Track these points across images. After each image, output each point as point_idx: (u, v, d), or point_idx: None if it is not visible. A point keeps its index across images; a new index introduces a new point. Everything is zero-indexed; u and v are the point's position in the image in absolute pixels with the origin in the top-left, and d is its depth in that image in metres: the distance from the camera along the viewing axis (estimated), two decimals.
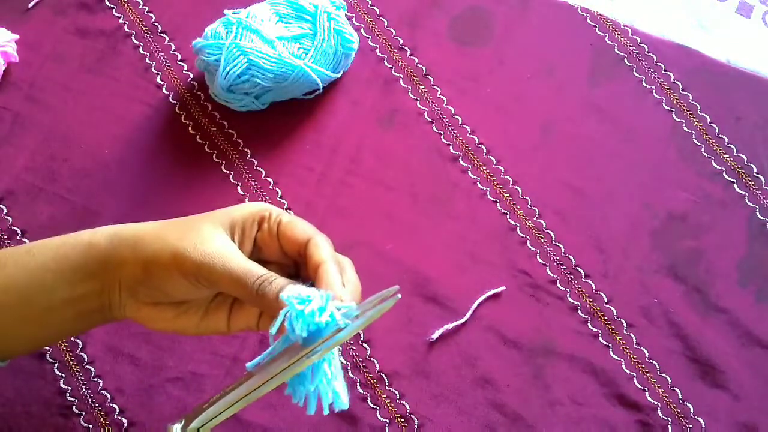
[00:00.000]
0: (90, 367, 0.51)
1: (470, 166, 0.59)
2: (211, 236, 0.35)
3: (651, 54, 0.64)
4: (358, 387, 0.51)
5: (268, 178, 0.58)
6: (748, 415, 0.52)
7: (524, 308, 0.55)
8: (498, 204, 0.58)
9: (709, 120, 0.61)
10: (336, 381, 0.33)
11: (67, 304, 0.36)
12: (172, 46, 0.62)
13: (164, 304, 0.37)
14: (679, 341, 0.54)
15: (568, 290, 0.55)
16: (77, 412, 0.50)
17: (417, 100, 0.61)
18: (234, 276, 0.34)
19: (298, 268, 0.39)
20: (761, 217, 0.58)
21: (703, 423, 0.52)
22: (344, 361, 0.52)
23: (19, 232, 0.55)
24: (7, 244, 0.54)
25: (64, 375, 0.50)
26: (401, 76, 0.62)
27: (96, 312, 0.37)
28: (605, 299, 0.55)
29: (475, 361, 0.52)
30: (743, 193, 0.59)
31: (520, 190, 0.58)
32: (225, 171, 0.58)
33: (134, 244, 0.36)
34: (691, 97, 0.62)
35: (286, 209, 0.57)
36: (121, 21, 0.63)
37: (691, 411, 0.52)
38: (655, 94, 0.62)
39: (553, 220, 0.57)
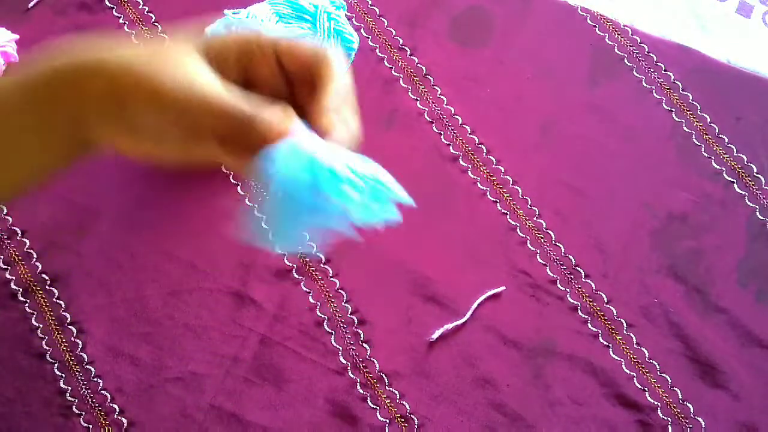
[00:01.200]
0: (90, 367, 0.51)
1: (470, 166, 0.59)
2: (189, 71, 0.31)
3: (651, 54, 0.64)
4: (358, 387, 0.51)
5: None
6: (748, 415, 0.52)
7: (524, 308, 0.55)
8: (498, 204, 0.58)
9: (709, 120, 0.61)
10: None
11: (33, 132, 0.33)
12: None
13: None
14: (679, 341, 0.54)
15: (568, 290, 0.55)
16: (77, 412, 0.50)
17: (417, 100, 0.61)
18: (211, 113, 0.30)
19: (293, 88, 0.35)
20: (761, 217, 0.58)
21: (703, 423, 0.52)
22: (344, 362, 0.52)
23: (19, 232, 0.55)
24: (8, 243, 0.55)
25: (64, 375, 0.50)
26: (401, 76, 0.62)
27: (65, 141, 0.34)
28: (605, 299, 0.55)
29: (475, 361, 0.52)
30: (743, 193, 0.59)
31: (520, 190, 0.58)
32: (225, 171, 0.58)
33: (105, 73, 0.31)
34: (691, 97, 0.62)
35: None
36: (121, 21, 0.63)
37: (691, 411, 0.52)
38: (655, 94, 0.62)
39: (553, 220, 0.57)
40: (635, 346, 0.54)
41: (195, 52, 0.32)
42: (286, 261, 0.55)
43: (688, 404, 0.52)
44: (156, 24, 0.63)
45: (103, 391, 0.50)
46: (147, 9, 0.64)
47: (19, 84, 0.32)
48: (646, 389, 0.52)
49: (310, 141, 0.30)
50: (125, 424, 0.49)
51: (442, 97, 0.61)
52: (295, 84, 0.34)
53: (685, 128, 0.61)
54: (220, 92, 0.31)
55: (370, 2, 0.65)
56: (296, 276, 0.54)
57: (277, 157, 0.29)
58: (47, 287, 0.53)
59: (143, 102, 0.31)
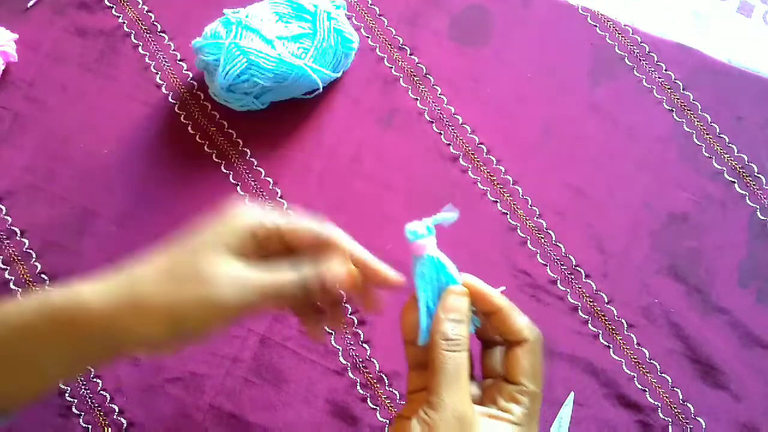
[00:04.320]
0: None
1: (470, 166, 0.59)
2: (231, 273, 0.34)
3: (652, 53, 0.64)
4: (358, 387, 0.51)
5: (267, 178, 0.58)
6: (748, 416, 0.52)
7: (524, 308, 0.54)
8: (498, 204, 0.58)
9: (709, 120, 0.61)
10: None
11: (62, 356, 0.34)
12: (172, 45, 0.62)
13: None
14: (679, 341, 0.54)
15: (568, 290, 0.55)
16: (77, 412, 0.50)
17: (417, 99, 0.61)
18: (273, 296, 0.34)
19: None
20: (762, 217, 0.58)
21: (703, 423, 0.52)
22: (344, 362, 0.52)
23: (18, 232, 0.55)
24: (7, 243, 0.54)
25: None
26: (401, 75, 0.62)
27: (99, 358, 0.36)
28: (606, 299, 0.55)
29: (474, 361, 0.52)
30: (744, 193, 0.59)
31: (520, 190, 0.58)
32: (225, 171, 0.58)
33: (151, 312, 0.33)
34: (691, 97, 0.62)
35: (285, 209, 0.57)
36: (120, 20, 0.63)
37: (692, 411, 0.52)
38: (655, 94, 0.62)
39: (554, 220, 0.57)
40: (636, 346, 0.54)
41: (223, 255, 0.34)
42: None
43: (688, 404, 0.52)
44: (155, 23, 0.63)
45: (102, 392, 0.50)
46: (146, 8, 0.64)
47: (28, 348, 0.34)
48: (647, 389, 0.52)
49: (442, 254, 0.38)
50: (125, 425, 0.49)
51: (442, 96, 0.61)
52: (299, 253, 0.38)
53: (685, 128, 0.61)
54: (271, 283, 0.34)
55: (369, 1, 0.65)
56: None
57: (424, 266, 0.37)
58: (46, 287, 0.53)
59: (210, 328, 0.34)
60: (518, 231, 0.57)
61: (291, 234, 0.36)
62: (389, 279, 0.38)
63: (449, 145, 0.60)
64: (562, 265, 0.56)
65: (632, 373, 0.53)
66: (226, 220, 0.36)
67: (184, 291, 0.34)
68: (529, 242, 0.57)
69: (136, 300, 0.33)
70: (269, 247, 0.37)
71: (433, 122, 0.60)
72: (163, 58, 0.62)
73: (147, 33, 0.63)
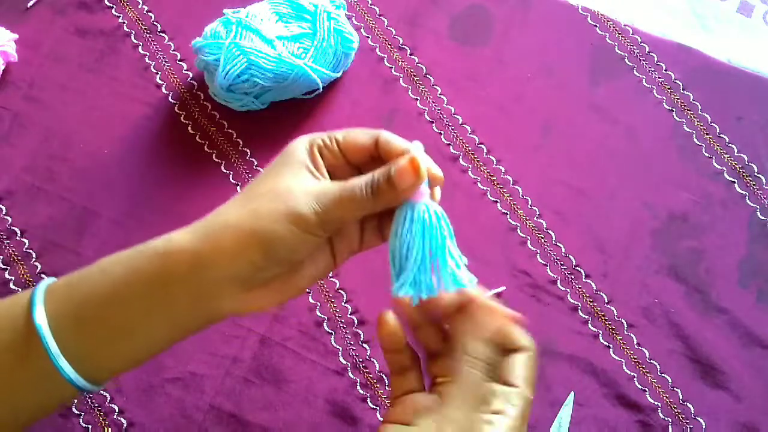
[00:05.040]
0: None
1: (470, 166, 0.59)
2: (305, 187, 0.34)
3: (652, 53, 0.64)
4: (358, 387, 0.51)
5: None
6: (748, 416, 0.52)
7: (524, 308, 0.54)
8: (498, 204, 0.58)
9: (709, 120, 0.61)
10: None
11: (152, 314, 0.34)
12: (172, 45, 0.62)
13: (277, 280, 0.35)
14: (679, 341, 0.54)
15: (568, 290, 0.55)
16: (76, 412, 0.50)
17: (417, 99, 0.61)
18: (348, 200, 0.34)
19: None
20: (762, 217, 0.58)
21: (703, 423, 0.52)
22: (344, 362, 0.52)
23: (18, 231, 0.55)
24: (6, 244, 0.54)
25: None
26: (401, 75, 0.62)
27: (190, 318, 0.35)
28: (606, 299, 0.55)
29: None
30: (744, 193, 0.59)
31: (520, 190, 0.58)
32: (225, 171, 0.58)
33: (235, 237, 0.33)
34: (691, 97, 0.62)
35: None
36: (120, 20, 0.63)
37: (692, 411, 0.52)
38: (655, 94, 0.62)
39: (554, 220, 0.57)
40: (636, 346, 0.54)
41: (302, 173, 0.35)
42: None
43: (688, 404, 0.52)
44: (155, 23, 0.63)
45: (102, 392, 0.50)
46: (146, 8, 0.64)
47: (130, 273, 0.34)
48: (647, 389, 0.52)
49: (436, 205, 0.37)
50: (124, 425, 0.49)
51: (442, 96, 0.61)
52: (362, 168, 0.38)
53: (685, 128, 0.61)
54: (342, 187, 0.34)
55: (369, 1, 0.65)
56: None
57: (418, 214, 0.36)
58: None
59: (297, 237, 0.33)
60: (518, 231, 0.57)
61: (349, 144, 0.37)
62: (436, 175, 0.39)
63: (449, 145, 0.60)
64: (562, 265, 0.56)
65: (632, 373, 0.53)
66: (288, 147, 0.37)
67: (261, 209, 0.33)
68: (529, 242, 0.57)
69: (216, 229, 0.34)
70: (335, 166, 0.37)
71: (433, 122, 0.60)
72: (163, 58, 0.62)
73: (147, 33, 0.63)
